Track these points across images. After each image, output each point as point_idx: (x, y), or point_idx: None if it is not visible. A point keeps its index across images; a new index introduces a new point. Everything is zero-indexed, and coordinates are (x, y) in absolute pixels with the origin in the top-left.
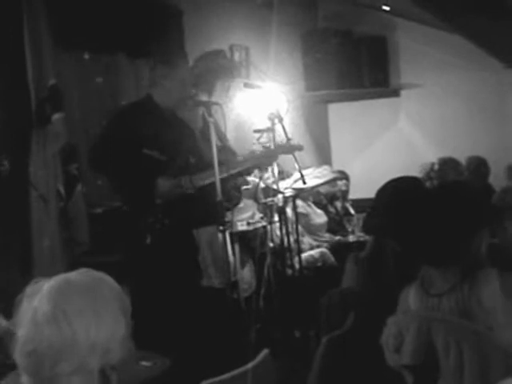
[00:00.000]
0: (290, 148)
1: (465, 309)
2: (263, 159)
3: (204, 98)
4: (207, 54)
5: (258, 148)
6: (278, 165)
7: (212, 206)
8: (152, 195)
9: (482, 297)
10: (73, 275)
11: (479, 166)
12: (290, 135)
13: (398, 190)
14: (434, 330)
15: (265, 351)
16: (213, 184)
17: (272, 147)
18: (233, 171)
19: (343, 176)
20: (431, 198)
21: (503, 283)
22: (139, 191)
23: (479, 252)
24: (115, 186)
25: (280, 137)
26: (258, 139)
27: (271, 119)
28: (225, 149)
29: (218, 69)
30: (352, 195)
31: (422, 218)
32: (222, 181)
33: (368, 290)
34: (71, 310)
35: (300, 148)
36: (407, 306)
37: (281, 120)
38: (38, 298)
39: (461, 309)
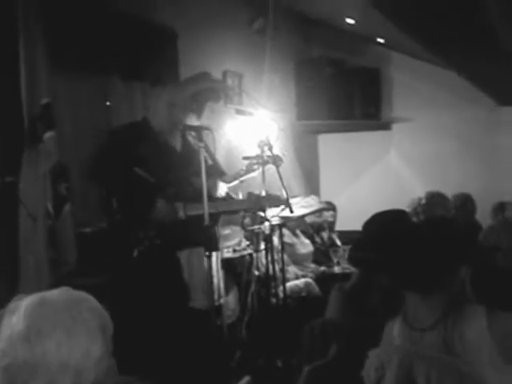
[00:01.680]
0: (278, 200)
1: (447, 344)
2: (253, 205)
3: (193, 121)
4: (195, 77)
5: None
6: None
7: (201, 231)
8: (144, 211)
9: (466, 333)
10: (51, 294)
11: (466, 202)
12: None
13: (384, 223)
14: (416, 364)
15: (246, 378)
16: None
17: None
18: (224, 209)
19: (330, 207)
20: (417, 232)
21: (491, 322)
22: (132, 206)
23: (463, 288)
24: (112, 199)
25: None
26: (247, 168)
27: (260, 147)
28: (214, 167)
29: (207, 91)
30: (338, 226)
31: (407, 250)
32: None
33: (351, 322)
34: (44, 328)
35: (289, 204)
36: (391, 338)
37: (270, 148)
38: (16, 315)
39: (443, 344)
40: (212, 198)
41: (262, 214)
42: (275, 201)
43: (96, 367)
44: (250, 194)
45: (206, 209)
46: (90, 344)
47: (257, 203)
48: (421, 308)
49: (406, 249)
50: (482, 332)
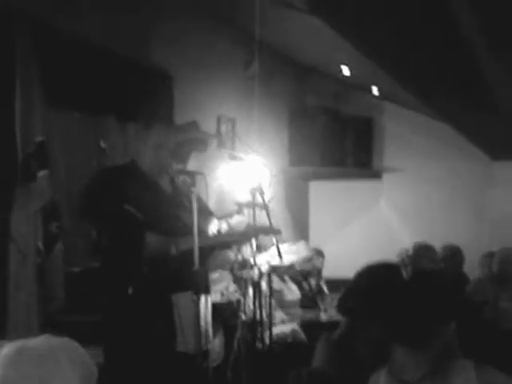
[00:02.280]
0: (269, 230)
1: None
2: (242, 237)
3: (178, 167)
4: (183, 126)
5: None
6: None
7: (192, 274)
8: (136, 247)
9: None
10: (30, 342)
11: (455, 254)
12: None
13: (376, 275)
14: None
15: None
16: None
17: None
18: (213, 242)
19: (319, 254)
20: (407, 286)
21: (479, 377)
22: (123, 243)
23: (452, 342)
24: (103, 236)
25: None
26: (238, 210)
27: (252, 193)
28: (204, 209)
29: (194, 141)
30: (326, 273)
31: (397, 303)
32: (202, 249)
33: (338, 372)
34: (18, 377)
35: (278, 232)
36: None
37: (262, 194)
38: None
39: None
40: (203, 233)
41: (251, 259)
42: (268, 231)
43: None
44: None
45: (195, 251)
46: None
47: (247, 235)
48: (408, 361)
49: (395, 301)
50: None
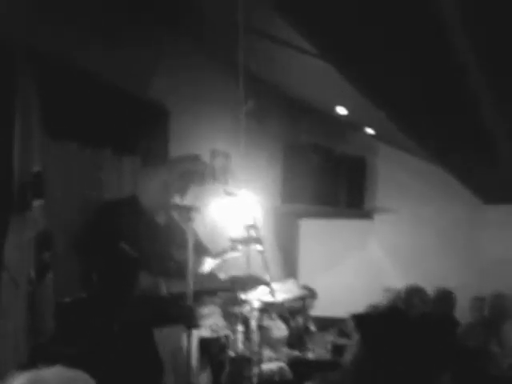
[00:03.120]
0: (258, 281)
1: None
2: (231, 286)
3: (176, 201)
4: (183, 157)
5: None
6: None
7: (182, 308)
8: (127, 287)
9: None
10: (43, 373)
11: (446, 297)
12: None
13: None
14: None
15: None
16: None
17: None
18: (206, 287)
19: (312, 294)
20: (408, 332)
21: None
22: (115, 281)
23: None
24: (93, 274)
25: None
26: (232, 246)
27: (247, 230)
28: (199, 245)
29: (194, 173)
30: (314, 311)
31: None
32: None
33: None
34: None
35: (268, 283)
36: None
37: (257, 230)
38: None
39: None
40: (195, 274)
41: (243, 296)
42: (257, 282)
43: None
44: (233, 276)
45: (190, 286)
46: None
47: (239, 284)
48: None
49: (395, 344)
50: None
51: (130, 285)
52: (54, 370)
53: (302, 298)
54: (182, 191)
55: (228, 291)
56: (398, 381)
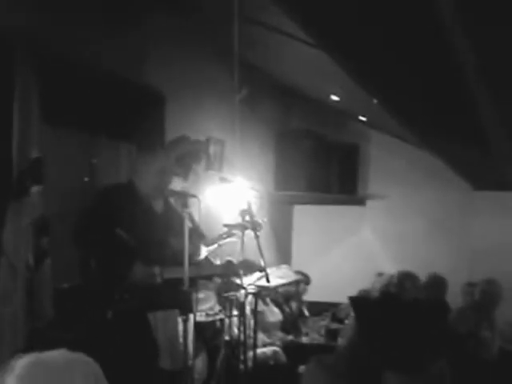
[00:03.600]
0: (253, 267)
1: None
2: (225, 271)
3: (179, 184)
4: (175, 141)
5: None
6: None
7: (178, 293)
8: (122, 274)
9: None
10: (47, 355)
11: (438, 283)
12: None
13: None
14: None
15: None
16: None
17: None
18: (199, 273)
19: (306, 279)
20: (402, 315)
21: None
22: (111, 268)
23: (444, 371)
24: (91, 260)
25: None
26: (228, 233)
27: (242, 216)
28: (195, 230)
29: (189, 154)
30: (307, 296)
31: (392, 332)
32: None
33: None
34: None
35: (262, 268)
36: None
37: (252, 216)
38: (12, 374)
39: None
40: (190, 262)
41: (238, 281)
42: (251, 268)
43: None
44: (228, 262)
45: (186, 273)
46: None
47: (233, 269)
48: None
49: (391, 330)
50: None
51: (126, 271)
52: (57, 352)
53: (296, 284)
54: (184, 175)
55: (223, 276)
56: (393, 365)
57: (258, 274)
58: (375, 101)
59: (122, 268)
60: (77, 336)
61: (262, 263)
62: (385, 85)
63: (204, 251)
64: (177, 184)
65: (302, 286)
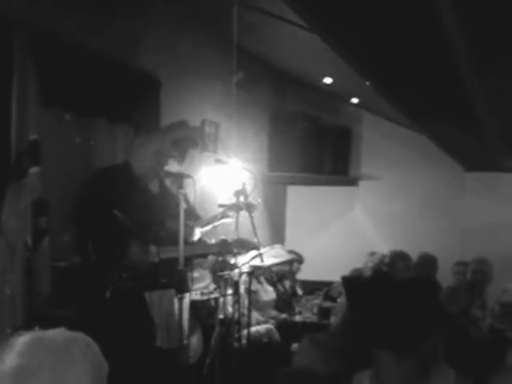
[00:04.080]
0: (248, 245)
1: None
2: (221, 249)
3: (174, 166)
4: (174, 125)
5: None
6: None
7: (174, 273)
8: (119, 254)
9: None
10: (47, 333)
11: (429, 262)
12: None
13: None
14: None
15: None
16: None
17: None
18: (195, 252)
19: (299, 258)
20: (393, 293)
21: None
22: (109, 248)
23: (436, 349)
24: (88, 240)
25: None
26: (223, 213)
27: (237, 196)
28: (190, 211)
29: (186, 138)
30: (300, 276)
31: (383, 309)
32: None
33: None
34: (32, 367)
35: (257, 247)
36: None
37: (246, 197)
38: (12, 351)
39: None
40: (186, 242)
41: (232, 260)
42: (246, 246)
43: None
44: (222, 241)
45: (181, 252)
46: None
47: (227, 248)
48: (393, 365)
49: (382, 307)
50: None
51: (122, 251)
52: (57, 331)
53: (290, 263)
54: (180, 158)
55: (218, 255)
56: (385, 343)
57: (252, 254)
58: (368, 83)
59: (119, 248)
60: (75, 314)
61: (256, 242)
62: (377, 67)
63: (198, 233)
64: (172, 166)
65: (295, 265)
